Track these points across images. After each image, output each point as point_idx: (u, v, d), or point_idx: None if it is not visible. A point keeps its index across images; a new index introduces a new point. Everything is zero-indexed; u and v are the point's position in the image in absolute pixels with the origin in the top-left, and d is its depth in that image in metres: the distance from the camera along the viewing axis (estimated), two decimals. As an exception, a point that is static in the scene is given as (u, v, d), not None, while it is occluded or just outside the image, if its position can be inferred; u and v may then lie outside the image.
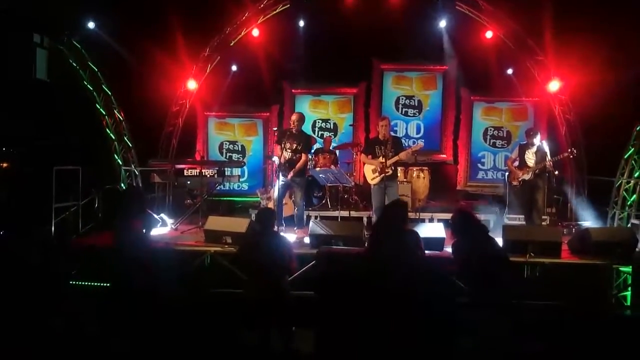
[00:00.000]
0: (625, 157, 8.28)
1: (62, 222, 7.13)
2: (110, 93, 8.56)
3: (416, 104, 10.68)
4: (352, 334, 4.23)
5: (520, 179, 7.52)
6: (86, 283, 6.25)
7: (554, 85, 8.95)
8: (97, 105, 8.49)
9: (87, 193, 7.57)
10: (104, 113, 8.58)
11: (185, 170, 8.34)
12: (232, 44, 9.67)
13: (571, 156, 7.42)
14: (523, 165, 7.52)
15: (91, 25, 8.19)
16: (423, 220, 7.80)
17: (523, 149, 7.55)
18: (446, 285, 5.48)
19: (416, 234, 4.59)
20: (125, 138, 8.84)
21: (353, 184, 8.78)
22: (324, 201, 8.64)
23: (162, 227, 7.72)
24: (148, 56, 8.61)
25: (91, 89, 8.39)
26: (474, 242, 4.37)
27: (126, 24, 8.27)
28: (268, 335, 4.45)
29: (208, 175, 8.30)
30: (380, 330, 4.13)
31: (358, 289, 4.40)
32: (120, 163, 8.77)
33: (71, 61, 8.17)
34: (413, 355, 4.16)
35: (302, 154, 7.01)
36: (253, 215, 8.31)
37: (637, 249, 6.26)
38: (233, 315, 4.76)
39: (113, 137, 8.70)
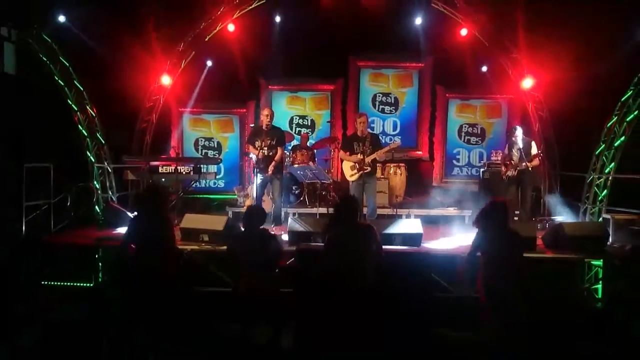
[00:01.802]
0: (597, 153, 8.47)
1: (33, 220, 6.93)
2: (82, 88, 8.33)
3: (392, 101, 10.74)
4: (329, 329, 4.24)
5: (506, 175, 7.69)
6: (60, 283, 6.13)
7: (527, 83, 9.08)
8: (69, 101, 8.25)
9: (59, 191, 7.38)
10: (76, 109, 8.34)
11: (159, 167, 8.21)
12: (207, 39, 9.52)
13: (539, 158, 7.53)
14: (509, 162, 7.70)
15: (62, 18, 7.95)
16: (400, 217, 7.85)
17: (510, 147, 7.74)
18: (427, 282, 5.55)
19: (372, 229, 4.60)
20: (98, 134, 8.62)
21: (331, 180, 8.78)
22: (302, 198, 8.62)
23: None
24: (121, 51, 8.42)
25: (62, 84, 8.13)
26: (502, 235, 4.38)
27: (98, 17, 8.06)
28: (273, 333, 4.42)
29: (183, 173, 8.18)
30: (348, 325, 4.15)
31: (330, 284, 4.42)
32: (93, 160, 8.54)
33: (41, 55, 7.93)
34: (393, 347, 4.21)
35: (278, 149, 6.99)
36: (230, 213, 8.27)
37: (607, 243, 6.43)
38: (219, 311, 4.73)
39: (85, 134, 8.46)
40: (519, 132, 7.64)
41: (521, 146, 7.48)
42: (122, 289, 5.18)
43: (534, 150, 7.60)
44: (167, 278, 4.53)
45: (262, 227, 4.73)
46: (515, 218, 7.45)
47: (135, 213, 4.86)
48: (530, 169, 7.43)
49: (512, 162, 7.62)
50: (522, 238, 4.49)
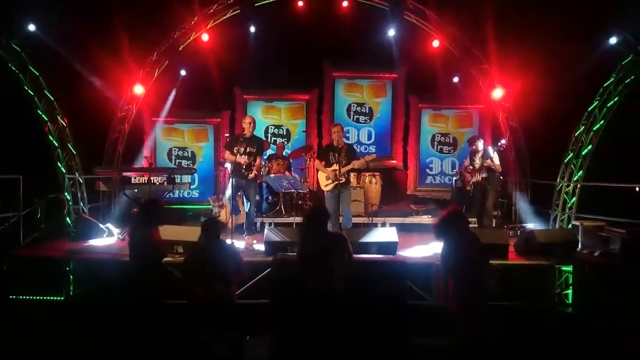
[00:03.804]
0: (565, 161, 8.70)
1: (2, 233, 6.75)
2: (52, 98, 8.18)
3: (367, 111, 10.85)
4: (306, 340, 4.23)
5: (471, 183, 7.83)
6: (30, 297, 5.98)
7: (497, 93, 9.28)
8: (39, 111, 8.09)
9: (28, 203, 7.21)
10: (46, 119, 8.18)
11: (132, 178, 8.08)
12: (180, 49, 9.49)
13: (502, 149, 7.68)
14: (472, 169, 7.84)
15: (32, 27, 7.81)
16: (376, 225, 7.90)
17: (472, 156, 7.88)
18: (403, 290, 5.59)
19: (343, 238, 4.63)
20: (69, 145, 8.47)
21: (307, 190, 8.79)
22: (277, 208, 8.59)
23: (109, 238, 7.47)
24: (93, 60, 8.29)
25: (32, 94, 7.98)
26: (464, 242, 4.44)
27: (70, 26, 7.93)
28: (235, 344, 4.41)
29: (157, 183, 8.08)
30: (321, 335, 4.16)
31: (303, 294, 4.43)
32: (64, 171, 8.38)
33: (10, 65, 7.76)
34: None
35: (258, 157, 6.99)
36: (204, 223, 8.19)
37: (577, 249, 6.59)
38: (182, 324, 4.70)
39: (56, 144, 8.30)
40: (480, 141, 7.85)
41: (482, 154, 7.68)
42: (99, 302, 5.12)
43: (492, 152, 7.69)
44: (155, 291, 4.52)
45: (220, 239, 4.74)
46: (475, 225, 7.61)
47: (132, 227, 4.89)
48: (493, 167, 7.55)
49: (475, 169, 7.77)
50: (481, 243, 4.56)
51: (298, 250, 4.60)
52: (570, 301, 6.54)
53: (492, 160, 7.54)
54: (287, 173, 8.70)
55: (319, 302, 4.21)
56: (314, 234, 4.50)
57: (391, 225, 7.99)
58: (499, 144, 7.71)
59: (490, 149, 7.75)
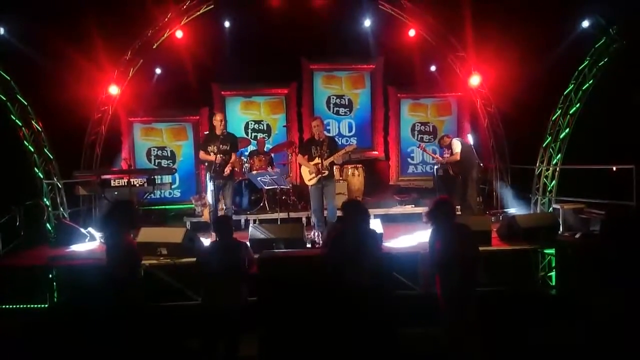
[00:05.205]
0: (544, 145, 8.80)
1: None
2: (25, 103, 7.99)
3: (347, 103, 10.83)
4: (297, 337, 4.22)
5: (452, 171, 8.26)
6: (13, 306, 5.88)
7: (474, 80, 9.35)
8: (12, 117, 7.90)
9: (6, 210, 7.06)
10: (20, 124, 7.99)
11: (112, 181, 7.99)
12: (155, 47, 9.34)
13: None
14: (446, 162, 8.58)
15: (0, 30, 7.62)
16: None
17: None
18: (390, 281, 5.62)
19: (378, 234, 4.64)
20: (46, 149, 8.28)
21: (290, 185, 8.75)
22: (261, 204, 8.54)
23: (91, 242, 7.36)
24: (65, 62, 8.11)
25: (4, 99, 7.79)
26: (453, 230, 4.45)
27: (40, 28, 7.74)
28: (233, 343, 4.39)
29: (137, 185, 8.00)
30: (329, 330, 4.15)
31: (307, 291, 4.41)
32: (42, 176, 8.20)
33: (-22, 70, 7.55)
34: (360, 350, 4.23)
35: (232, 154, 7.04)
36: (188, 224, 8.13)
37: (559, 232, 6.68)
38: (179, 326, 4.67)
39: (32, 149, 8.12)
40: (445, 137, 8.57)
41: (446, 148, 8.46)
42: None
43: (454, 146, 8.24)
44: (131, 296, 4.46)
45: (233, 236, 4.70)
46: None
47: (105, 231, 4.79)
48: (453, 159, 8.24)
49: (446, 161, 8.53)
50: (471, 231, 4.60)
51: (334, 244, 4.49)
52: (553, 283, 6.65)
53: (451, 154, 8.27)
54: (269, 169, 8.66)
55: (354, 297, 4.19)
56: (356, 229, 4.44)
57: (375, 216, 7.98)
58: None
59: (454, 141, 8.27)
